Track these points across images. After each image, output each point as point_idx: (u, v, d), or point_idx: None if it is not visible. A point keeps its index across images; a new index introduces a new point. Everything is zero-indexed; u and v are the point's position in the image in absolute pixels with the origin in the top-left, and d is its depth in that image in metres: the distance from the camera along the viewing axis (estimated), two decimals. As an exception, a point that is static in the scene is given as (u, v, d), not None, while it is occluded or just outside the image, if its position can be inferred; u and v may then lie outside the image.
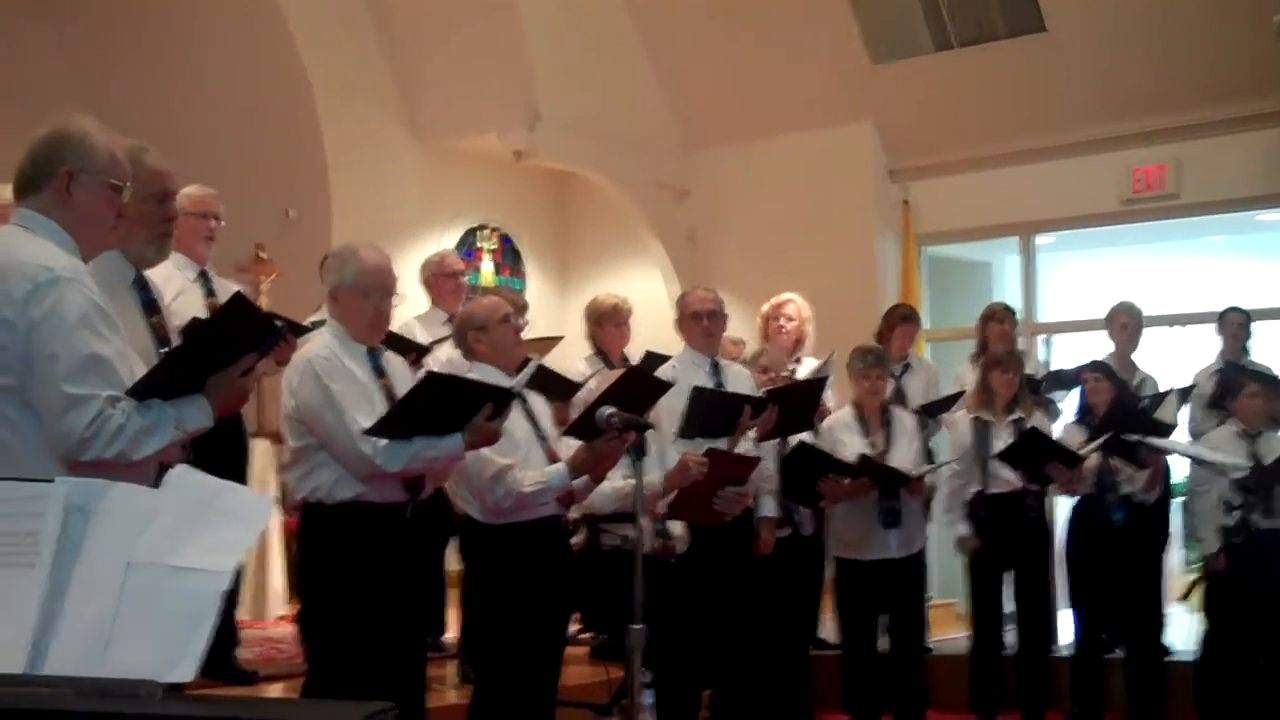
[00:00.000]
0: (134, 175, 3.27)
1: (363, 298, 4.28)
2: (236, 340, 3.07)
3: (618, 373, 5.54)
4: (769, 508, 5.93)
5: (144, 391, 2.93)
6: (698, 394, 5.55)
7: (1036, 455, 6.56)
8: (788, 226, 10.30)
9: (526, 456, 4.67)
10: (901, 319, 7.63)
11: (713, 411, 5.55)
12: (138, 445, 2.88)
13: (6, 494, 2.34)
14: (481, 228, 11.01)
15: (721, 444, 5.51)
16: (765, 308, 7.30)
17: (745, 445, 5.68)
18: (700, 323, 5.82)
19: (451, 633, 6.23)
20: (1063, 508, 7.38)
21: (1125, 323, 7.50)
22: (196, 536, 2.34)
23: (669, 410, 5.46)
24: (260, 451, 7.32)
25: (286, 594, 7.60)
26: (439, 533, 5.28)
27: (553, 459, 4.77)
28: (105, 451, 2.84)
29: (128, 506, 2.35)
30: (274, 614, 7.58)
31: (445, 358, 5.82)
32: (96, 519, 2.32)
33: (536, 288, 11.25)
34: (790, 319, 7.18)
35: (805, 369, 7.17)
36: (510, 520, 4.62)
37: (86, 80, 9.66)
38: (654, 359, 6.19)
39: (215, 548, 2.34)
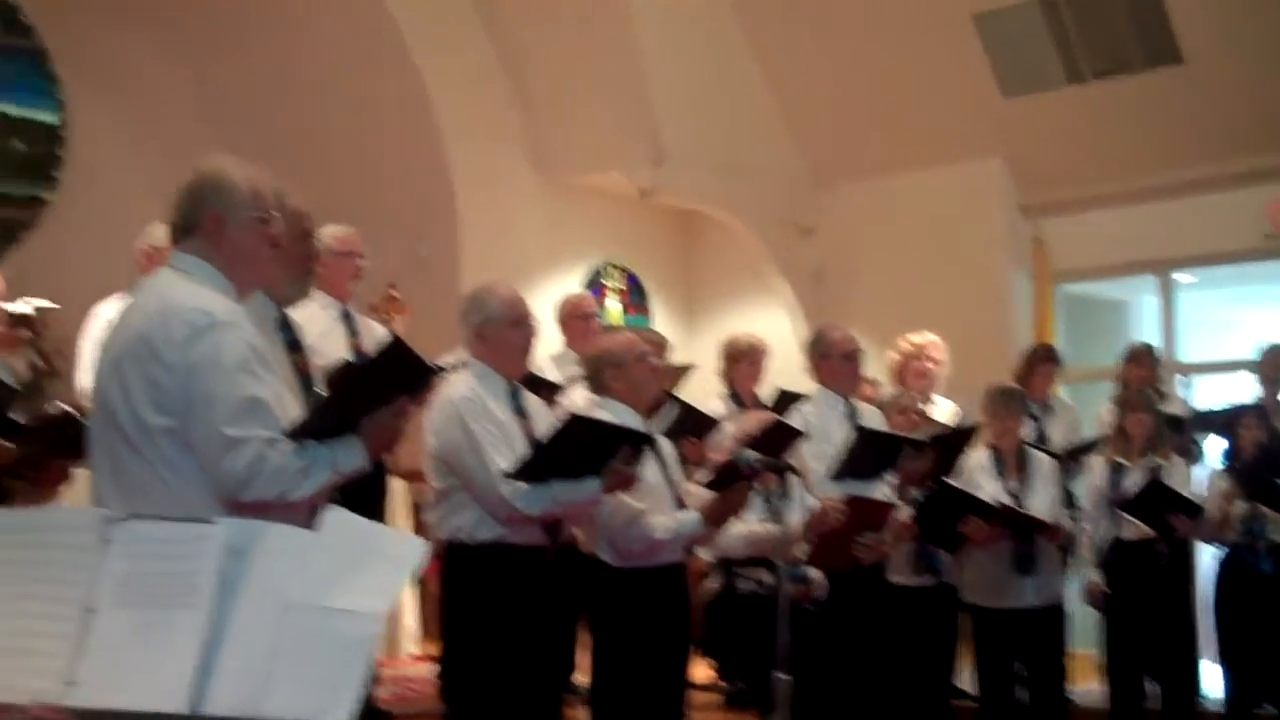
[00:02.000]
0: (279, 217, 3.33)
1: (512, 328, 4.35)
2: (392, 382, 3.10)
3: (753, 415, 5.50)
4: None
5: (301, 433, 2.97)
6: (865, 434, 5.48)
7: (1159, 505, 6.41)
8: (917, 264, 10.16)
9: (657, 500, 4.65)
10: (1043, 359, 7.48)
11: (874, 452, 5.47)
12: (296, 486, 2.91)
13: (169, 535, 2.37)
14: (607, 265, 11.04)
15: (872, 486, 5.43)
16: (906, 347, 7.18)
17: (881, 491, 5.59)
18: (849, 364, 5.78)
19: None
20: (1209, 555, 7.15)
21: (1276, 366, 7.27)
22: (351, 578, 2.34)
23: (812, 454, 5.41)
24: (394, 490, 7.36)
25: (419, 632, 7.63)
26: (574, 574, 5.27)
27: (680, 503, 4.74)
28: (264, 492, 2.88)
29: (285, 548, 2.36)
30: (406, 652, 7.61)
31: (580, 399, 5.82)
32: (255, 560, 2.33)
33: (662, 326, 11.21)
34: (934, 361, 7.07)
35: (940, 410, 7.06)
36: (636, 565, 4.60)
37: (222, 127, 9.86)
38: (787, 397, 6.13)
39: (369, 590, 2.34)
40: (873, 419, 5.85)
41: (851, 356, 5.77)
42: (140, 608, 2.30)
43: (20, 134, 9.95)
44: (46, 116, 10.05)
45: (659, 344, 5.61)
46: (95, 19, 9.83)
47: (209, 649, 2.25)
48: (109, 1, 9.80)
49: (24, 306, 5.35)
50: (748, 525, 4.99)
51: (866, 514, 5.18)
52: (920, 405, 6.63)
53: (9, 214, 9.79)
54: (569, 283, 10.34)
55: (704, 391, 6.83)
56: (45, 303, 5.69)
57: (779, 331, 10.15)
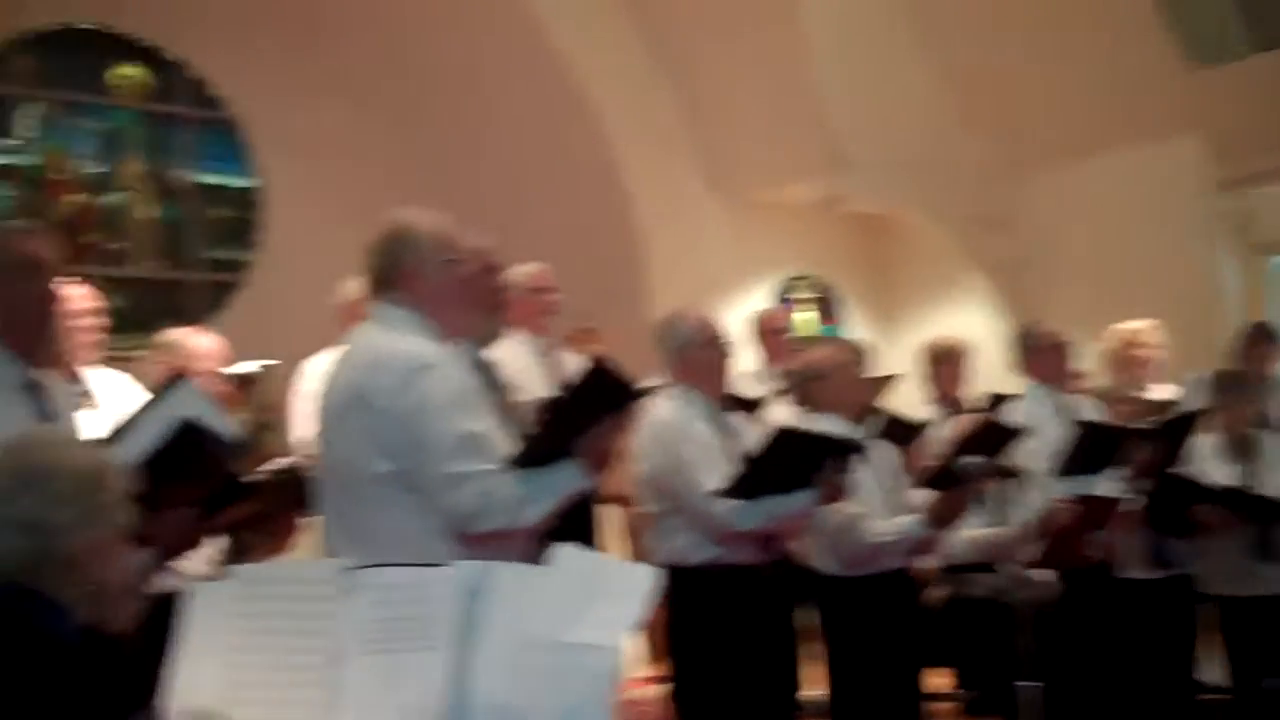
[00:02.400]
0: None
1: (707, 349, 4.40)
2: (601, 404, 3.15)
3: (969, 418, 5.39)
4: None
5: (520, 461, 3.02)
6: (1084, 428, 5.32)
7: None
8: (1116, 248, 9.83)
9: (874, 506, 4.58)
10: (1261, 338, 7.15)
11: (1097, 445, 5.30)
12: (522, 513, 2.98)
13: (407, 579, 2.40)
14: (797, 277, 10.96)
15: (1097, 480, 5.26)
16: (1119, 336, 6.94)
17: (1107, 485, 5.40)
18: (1059, 356, 5.64)
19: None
20: None
21: None
22: (587, 612, 2.35)
23: (1029, 453, 5.26)
24: (607, 516, 7.39)
25: (646, 654, 7.63)
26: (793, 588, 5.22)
27: (898, 508, 4.66)
28: (493, 523, 2.94)
29: (520, 586, 2.38)
30: (635, 675, 7.62)
31: (782, 414, 5.78)
32: (492, 599, 2.36)
33: (857, 333, 11.11)
34: (1149, 348, 6.82)
35: (1160, 396, 6.80)
36: (859, 573, 4.53)
37: (410, 177, 10.09)
38: (997, 399, 5.98)
39: (606, 622, 2.34)
40: (1088, 412, 5.67)
41: (1061, 348, 5.64)
42: (385, 653, 2.35)
43: (220, 201, 10.36)
44: (242, 182, 10.44)
45: (858, 354, 5.53)
46: (281, 86, 10.16)
47: (455, 689, 2.28)
48: (294, 68, 10.13)
49: (250, 367, 5.53)
50: (972, 530, 4.88)
51: (1095, 511, 5.02)
52: (1137, 394, 6.41)
53: (216, 278, 10.19)
54: (759, 298, 10.29)
55: (907, 397, 6.71)
56: (266, 361, 5.86)
57: (981, 329, 9.93)
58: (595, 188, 10.04)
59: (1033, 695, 3.57)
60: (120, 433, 3.22)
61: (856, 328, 11.18)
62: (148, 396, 3.59)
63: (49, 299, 3.20)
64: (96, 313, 4.55)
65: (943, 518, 4.57)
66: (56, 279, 3.25)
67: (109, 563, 2.15)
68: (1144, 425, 5.46)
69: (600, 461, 3.17)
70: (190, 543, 3.29)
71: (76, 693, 2.02)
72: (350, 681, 2.33)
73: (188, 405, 3.17)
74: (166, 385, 3.36)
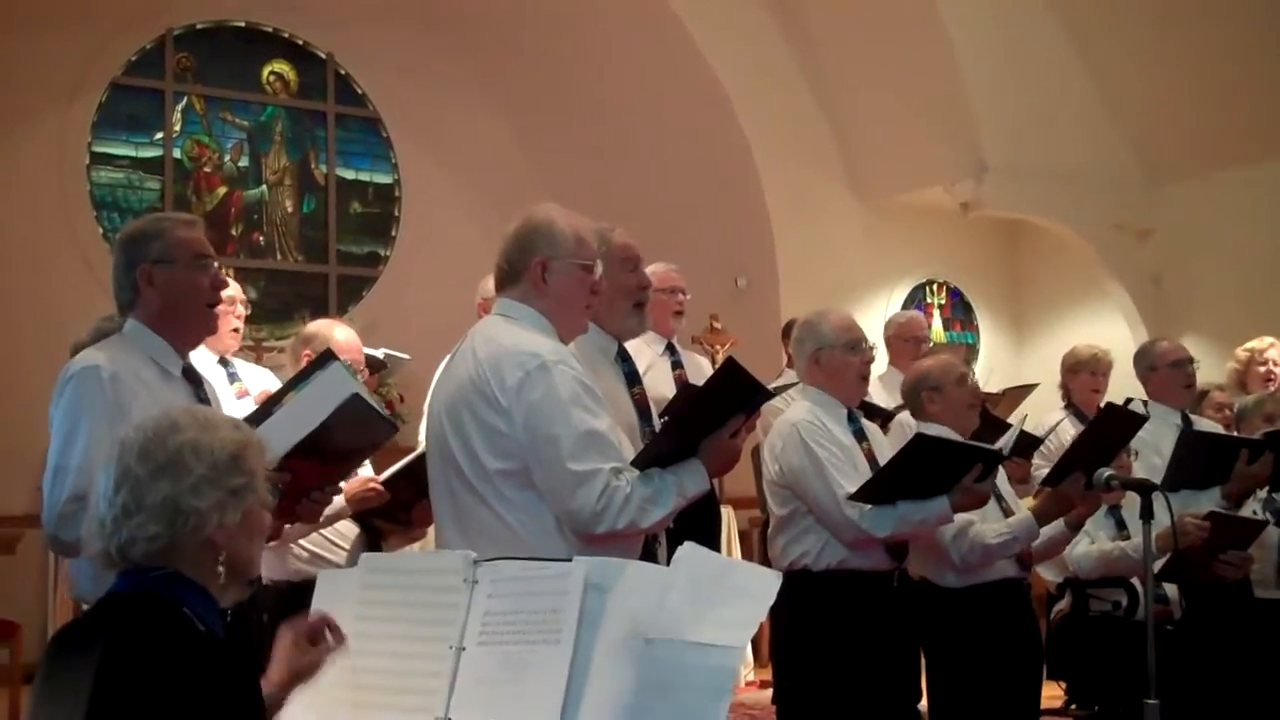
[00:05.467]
0: (607, 253, 3.45)
1: (848, 353, 4.29)
2: (727, 404, 3.11)
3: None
4: None
5: (644, 460, 3.01)
6: (1186, 438, 5.19)
7: None
8: (1261, 262, 9.55)
9: (984, 514, 4.50)
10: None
11: (1203, 457, 5.17)
12: (645, 513, 2.94)
13: (531, 573, 2.43)
14: (929, 283, 10.85)
15: (1213, 495, 5.13)
16: (1242, 353, 6.77)
17: (1251, 507, 5.25)
18: (1179, 373, 5.51)
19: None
20: None
21: None
22: (710, 613, 2.35)
23: (1139, 469, 5.14)
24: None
25: (752, 659, 7.63)
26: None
27: (1009, 517, 4.58)
28: (617, 522, 2.91)
29: (643, 584, 2.39)
30: (742, 679, 7.61)
31: (909, 420, 5.71)
32: (614, 596, 2.37)
33: (989, 341, 10.97)
34: (1275, 364, 6.64)
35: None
36: (971, 582, 4.45)
37: (547, 175, 10.22)
38: (1126, 403, 5.85)
39: (728, 623, 2.34)
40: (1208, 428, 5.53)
41: (1180, 365, 5.47)
42: (506, 645, 2.38)
43: (359, 196, 10.58)
44: (382, 178, 10.64)
45: (968, 363, 5.45)
46: (422, 83, 10.34)
47: (574, 684, 2.30)
48: (438, 69, 10.31)
49: (378, 352, 5.63)
50: (1097, 545, 4.78)
51: (1229, 531, 4.87)
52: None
53: (352, 271, 10.39)
54: (891, 304, 10.22)
55: (1035, 406, 6.59)
56: (392, 351, 5.96)
57: (1117, 341, 9.71)
58: (731, 188, 10.04)
59: (1155, 714, 3.48)
60: (269, 409, 3.24)
61: (988, 334, 11.03)
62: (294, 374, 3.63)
63: (211, 290, 3.26)
64: (241, 303, 4.86)
65: (1053, 515, 4.46)
66: (218, 271, 3.32)
67: (247, 543, 2.18)
68: (1253, 437, 5.28)
69: (726, 461, 3.14)
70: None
71: (222, 683, 2.03)
72: (470, 672, 2.36)
73: (337, 384, 3.17)
74: (316, 363, 3.34)
